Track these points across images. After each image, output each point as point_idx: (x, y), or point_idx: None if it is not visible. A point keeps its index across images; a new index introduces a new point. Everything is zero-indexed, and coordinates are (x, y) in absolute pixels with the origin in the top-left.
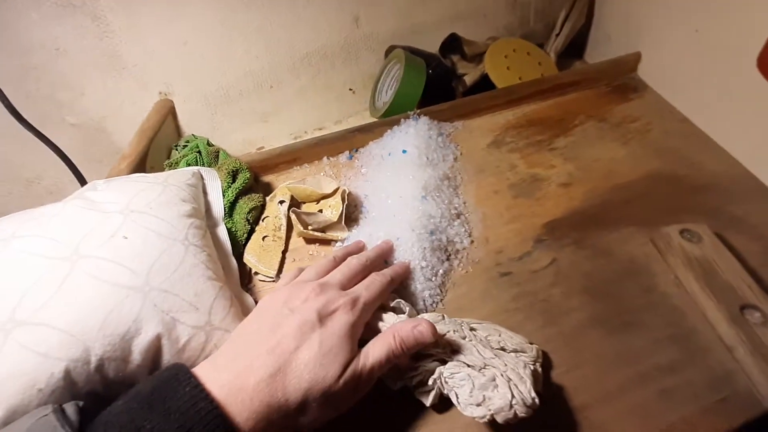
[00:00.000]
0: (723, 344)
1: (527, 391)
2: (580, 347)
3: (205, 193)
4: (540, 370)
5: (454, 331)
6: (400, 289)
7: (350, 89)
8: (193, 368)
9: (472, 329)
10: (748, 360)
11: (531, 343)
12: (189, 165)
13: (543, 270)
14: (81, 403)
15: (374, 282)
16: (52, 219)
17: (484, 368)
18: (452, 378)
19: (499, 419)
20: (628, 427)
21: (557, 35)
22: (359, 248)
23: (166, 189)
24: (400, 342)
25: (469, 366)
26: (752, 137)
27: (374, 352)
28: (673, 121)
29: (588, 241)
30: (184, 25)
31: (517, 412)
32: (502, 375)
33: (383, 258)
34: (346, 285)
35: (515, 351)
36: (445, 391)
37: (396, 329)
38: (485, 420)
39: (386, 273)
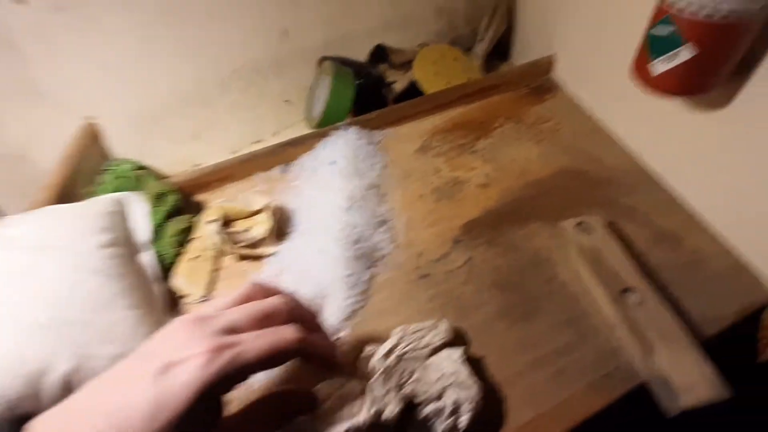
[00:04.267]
0: (608, 325)
1: (477, 393)
2: (486, 338)
3: (128, 219)
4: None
5: (404, 370)
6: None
7: (286, 101)
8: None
9: (411, 356)
10: (627, 337)
11: (439, 323)
12: (114, 191)
13: (458, 269)
14: None
15: (276, 334)
16: None
17: (442, 396)
18: (425, 423)
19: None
20: (523, 407)
21: (481, 41)
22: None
23: (83, 220)
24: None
25: (430, 402)
26: (643, 133)
27: None
28: (581, 119)
29: (500, 239)
30: (102, 48)
31: (479, 409)
32: (458, 395)
33: (310, 317)
34: (241, 327)
35: (443, 345)
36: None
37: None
38: None
39: (303, 332)
